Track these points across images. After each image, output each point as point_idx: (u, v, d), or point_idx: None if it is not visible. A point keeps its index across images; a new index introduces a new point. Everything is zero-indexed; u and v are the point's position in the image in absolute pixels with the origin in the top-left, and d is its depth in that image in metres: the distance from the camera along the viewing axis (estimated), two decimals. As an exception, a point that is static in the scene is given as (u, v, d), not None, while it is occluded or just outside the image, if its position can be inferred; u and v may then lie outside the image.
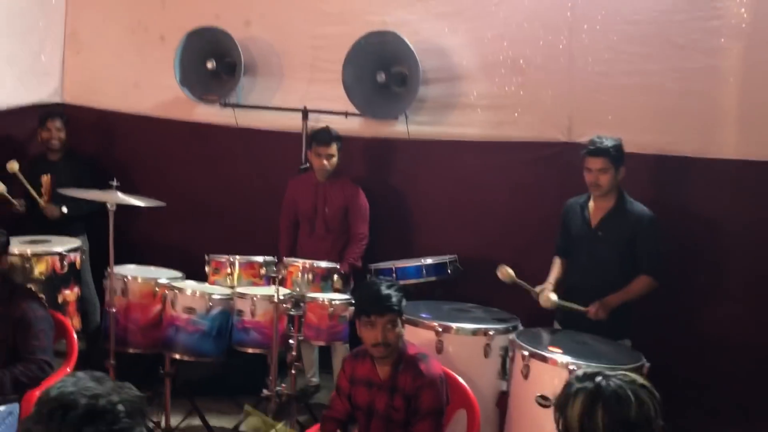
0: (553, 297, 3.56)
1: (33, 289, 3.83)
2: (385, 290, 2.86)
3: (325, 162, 4.29)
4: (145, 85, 5.15)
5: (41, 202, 4.60)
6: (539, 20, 4.23)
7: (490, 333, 3.50)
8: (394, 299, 2.83)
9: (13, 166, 4.50)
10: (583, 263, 3.68)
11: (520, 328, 3.60)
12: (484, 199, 4.46)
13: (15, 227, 4.51)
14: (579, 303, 3.60)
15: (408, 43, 4.28)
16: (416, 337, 3.34)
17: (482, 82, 4.40)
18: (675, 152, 3.95)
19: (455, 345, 3.50)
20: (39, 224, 4.59)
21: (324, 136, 4.30)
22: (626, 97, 4.04)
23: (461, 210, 4.52)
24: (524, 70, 4.30)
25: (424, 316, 3.59)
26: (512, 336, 3.44)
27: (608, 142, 3.55)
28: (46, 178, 4.68)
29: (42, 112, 4.85)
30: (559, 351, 3.21)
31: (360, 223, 4.39)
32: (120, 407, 1.47)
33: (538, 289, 3.64)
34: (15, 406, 3.15)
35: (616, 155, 3.54)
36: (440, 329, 3.50)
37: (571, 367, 3.07)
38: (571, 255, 3.79)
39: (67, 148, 4.86)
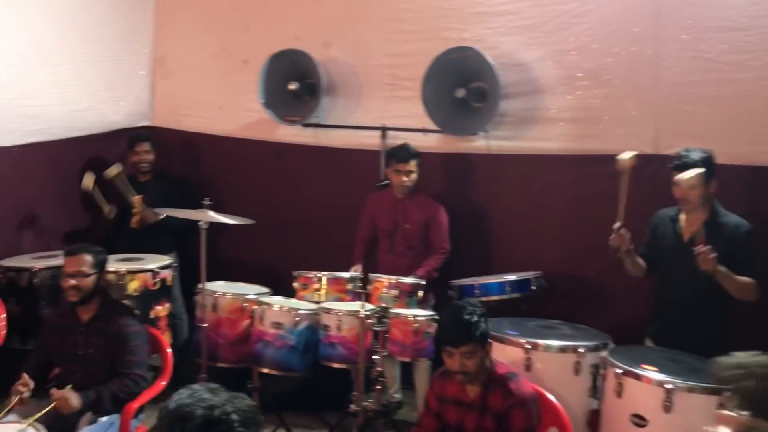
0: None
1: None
2: (463, 319, 2.80)
3: (404, 178, 4.32)
4: (230, 107, 5.32)
5: (137, 207, 4.76)
6: (622, 31, 4.16)
7: (580, 350, 3.41)
8: (471, 329, 2.79)
9: (112, 171, 4.70)
10: (677, 277, 3.54)
11: (611, 345, 3.51)
12: (568, 214, 4.39)
13: (109, 246, 4.73)
14: (672, 317, 3.48)
15: (487, 58, 4.28)
16: (503, 355, 3.29)
17: (564, 96, 4.35)
18: (769, 162, 3.79)
19: (544, 362, 3.42)
20: (132, 243, 4.79)
21: (403, 153, 4.34)
22: (717, 107, 3.91)
23: (544, 225, 4.46)
24: (607, 81, 4.22)
25: (510, 333, 3.54)
26: (604, 353, 3.34)
27: (696, 155, 3.40)
28: (137, 198, 4.89)
29: (130, 136, 5.08)
30: (654, 369, 3.10)
31: (442, 238, 4.39)
32: (234, 417, 1.52)
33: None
34: (115, 417, 3.29)
35: (706, 167, 3.38)
36: (528, 346, 3.43)
37: (667, 385, 2.97)
38: (656, 267, 3.67)
39: (156, 170, 5.07)
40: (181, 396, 1.57)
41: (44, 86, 4.66)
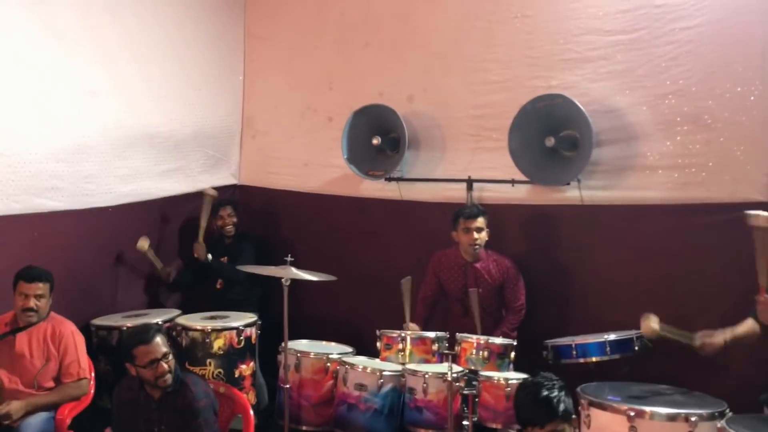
0: (655, 324, 3.21)
1: (203, 371, 3.99)
2: (542, 396, 2.52)
3: (476, 236, 4.13)
4: (314, 164, 5.35)
5: (200, 241, 4.90)
6: (724, 72, 3.90)
7: (693, 419, 3.08)
8: (553, 404, 2.50)
9: (143, 244, 4.72)
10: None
11: (728, 413, 3.15)
12: (671, 268, 4.08)
13: (197, 307, 4.78)
14: None
15: (578, 104, 4.10)
16: (603, 423, 3.02)
17: (661, 141, 4.10)
18: None
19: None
20: (218, 303, 4.82)
21: (472, 210, 4.19)
22: (834, 149, 3.56)
23: (645, 280, 4.14)
24: (710, 126, 3.95)
25: (611, 398, 3.25)
26: (721, 423, 2.99)
27: None
28: (223, 260, 4.99)
29: (215, 202, 5.10)
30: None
31: (519, 295, 4.21)
32: None
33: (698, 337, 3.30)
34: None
35: None
36: (632, 414, 3.14)
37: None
38: None
39: (239, 230, 5.11)
40: None
41: (142, 147, 4.83)
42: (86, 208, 4.44)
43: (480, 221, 4.17)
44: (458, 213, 4.26)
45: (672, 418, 3.13)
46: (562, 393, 2.57)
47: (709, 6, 3.92)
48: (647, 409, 3.16)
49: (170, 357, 3.26)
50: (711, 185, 3.97)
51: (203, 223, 4.95)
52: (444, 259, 4.33)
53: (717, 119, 3.94)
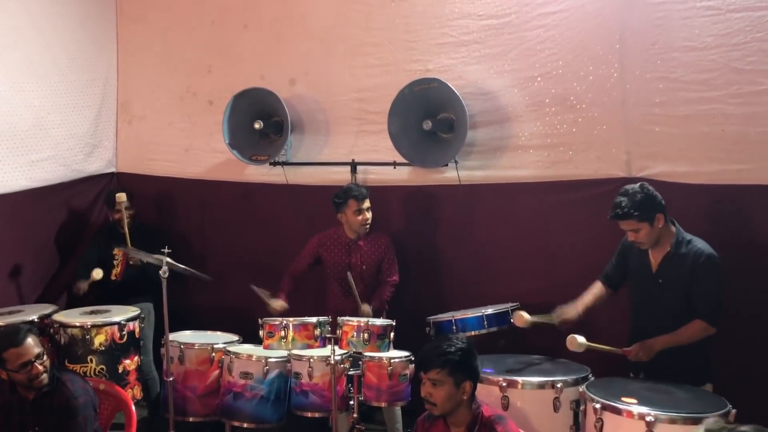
0: (581, 339, 3.34)
1: (84, 368, 3.88)
2: (439, 346, 2.80)
3: (367, 215, 4.26)
4: (196, 149, 5.23)
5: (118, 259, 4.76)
6: (587, 55, 4.11)
7: (558, 386, 3.30)
8: (442, 357, 2.76)
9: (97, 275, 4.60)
10: (651, 307, 3.46)
11: (591, 378, 3.39)
12: (544, 242, 4.30)
13: (90, 299, 4.61)
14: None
15: (453, 88, 4.21)
16: (480, 394, 3.16)
17: (532, 122, 4.28)
18: (745, 181, 3.70)
19: (522, 400, 3.32)
20: (113, 295, 4.68)
21: (361, 192, 4.28)
22: (687, 127, 3.83)
23: (520, 255, 4.36)
24: (575, 106, 4.16)
25: (487, 371, 3.41)
26: (582, 388, 3.22)
27: (630, 201, 3.28)
28: (118, 251, 4.81)
29: (109, 193, 4.93)
30: (634, 401, 2.99)
31: (394, 270, 4.36)
32: None
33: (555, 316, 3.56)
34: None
35: (642, 210, 3.27)
36: (505, 384, 3.33)
37: (648, 418, 2.87)
38: (615, 286, 3.64)
39: (136, 221, 4.92)
40: None
41: (3, 137, 4.56)
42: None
43: (368, 202, 4.28)
44: (347, 195, 4.30)
45: (540, 386, 3.33)
46: (459, 353, 2.79)
47: (572, -9, 4.11)
48: (519, 378, 3.35)
49: (44, 357, 3.16)
50: (578, 163, 4.19)
51: (127, 229, 4.69)
52: (327, 240, 4.39)
53: (581, 100, 4.14)
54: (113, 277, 4.82)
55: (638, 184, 3.37)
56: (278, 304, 4.16)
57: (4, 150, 4.56)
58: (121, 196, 4.68)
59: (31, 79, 4.76)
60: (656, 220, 3.31)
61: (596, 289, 3.64)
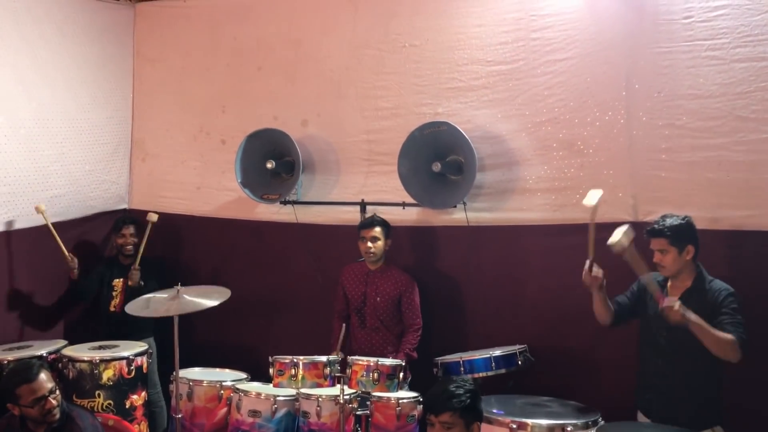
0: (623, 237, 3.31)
1: (92, 403, 3.91)
2: (448, 389, 2.79)
3: (369, 244, 4.28)
4: (208, 187, 5.31)
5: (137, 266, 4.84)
6: (593, 101, 4.19)
7: (569, 429, 3.29)
8: (454, 399, 2.75)
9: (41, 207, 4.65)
10: (665, 346, 3.46)
11: (601, 422, 3.38)
12: (550, 284, 4.32)
13: (88, 334, 4.63)
14: (662, 388, 3.40)
15: (462, 131, 4.29)
16: (489, 436, 3.18)
17: (540, 166, 4.35)
18: (752, 227, 3.75)
19: (532, 443, 3.31)
20: (110, 328, 4.71)
21: (367, 220, 4.35)
22: (693, 173, 3.90)
23: (527, 296, 4.38)
24: (582, 151, 4.23)
25: (496, 412, 3.42)
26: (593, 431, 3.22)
27: (668, 222, 3.39)
28: (118, 282, 4.88)
29: (117, 219, 5.06)
30: (645, 447, 2.99)
31: (415, 314, 4.33)
32: None
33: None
34: None
35: (676, 235, 3.36)
36: (515, 426, 3.32)
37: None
38: (624, 321, 3.62)
39: (137, 251, 4.98)
40: None
41: (28, 171, 4.66)
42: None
43: (376, 231, 4.30)
44: (359, 225, 4.40)
45: (551, 429, 3.33)
46: (469, 395, 2.79)
47: (579, 40, 4.21)
48: (529, 421, 3.34)
49: (56, 391, 3.18)
50: (585, 207, 4.24)
51: (141, 249, 4.85)
52: (350, 270, 4.46)
53: (588, 145, 4.22)
54: (112, 308, 4.86)
55: (683, 215, 3.44)
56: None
57: (25, 184, 4.66)
58: (154, 219, 4.90)
59: (57, 115, 4.90)
60: (686, 252, 3.38)
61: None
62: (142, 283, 4.77)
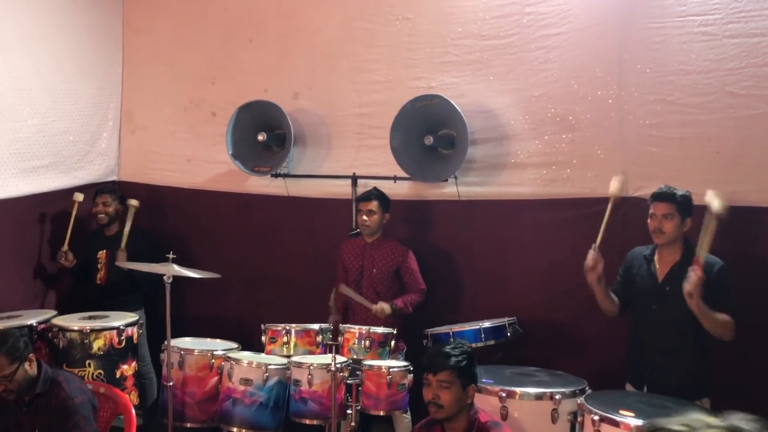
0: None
1: (82, 372, 3.91)
2: (445, 349, 2.86)
3: (365, 218, 4.29)
4: (198, 159, 5.28)
5: (101, 263, 4.80)
6: (586, 76, 4.21)
7: (557, 397, 3.34)
8: (451, 359, 2.82)
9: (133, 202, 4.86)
10: (654, 318, 3.51)
11: (588, 391, 3.44)
12: (539, 258, 4.36)
13: (77, 304, 4.62)
14: (651, 360, 3.47)
15: (455, 105, 4.30)
16: (479, 404, 3.20)
17: (531, 141, 4.37)
18: (739, 202, 3.78)
19: (520, 411, 3.35)
20: (99, 300, 4.69)
21: (364, 194, 4.35)
22: (683, 149, 3.94)
23: (516, 270, 4.42)
24: (574, 126, 4.26)
25: (486, 381, 3.46)
26: (581, 399, 3.27)
27: (675, 190, 3.48)
28: (102, 254, 4.84)
29: (95, 189, 5.01)
30: (631, 414, 3.03)
31: (416, 281, 4.34)
32: None
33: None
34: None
35: (682, 203, 3.44)
36: (504, 395, 3.36)
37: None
38: (629, 306, 3.64)
39: (121, 223, 4.96)
40: None
41: (8, 142, 4.59)
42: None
43: (373, 205, 4.30)
44: (357, 198, 4.41)
45: (539, 397, 3.38)
46: (465, 356, 2.87)
47: (572, 15, 4.23)
48: (517, 389, 3.39)
49: (14, 379, 3.14)
50: (575, 181, 4.28)
51: (126, 231, 4.81)
52: (348, 245, 4.47)
53: (580, 120, 4.25)
54: (98, 281, 4.84)
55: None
56: (379, 307, 4.07)
57: (6, 155, 4.58)
58: (136, 204, 4.89)
59: (38, 86, 4.79)
60: (685, 223, 3.45)
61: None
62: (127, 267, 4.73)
